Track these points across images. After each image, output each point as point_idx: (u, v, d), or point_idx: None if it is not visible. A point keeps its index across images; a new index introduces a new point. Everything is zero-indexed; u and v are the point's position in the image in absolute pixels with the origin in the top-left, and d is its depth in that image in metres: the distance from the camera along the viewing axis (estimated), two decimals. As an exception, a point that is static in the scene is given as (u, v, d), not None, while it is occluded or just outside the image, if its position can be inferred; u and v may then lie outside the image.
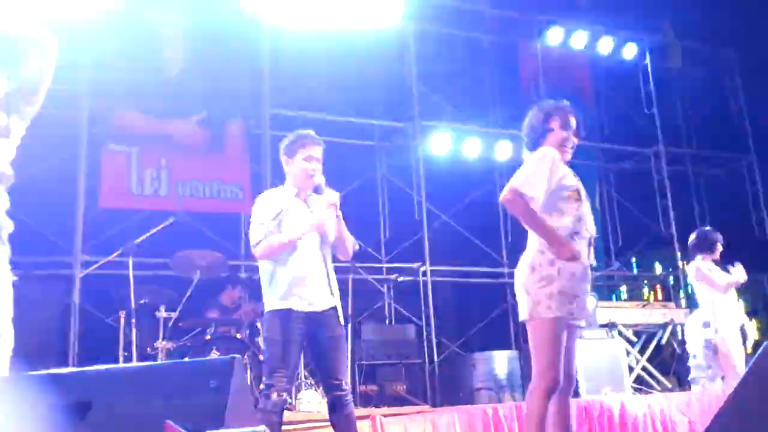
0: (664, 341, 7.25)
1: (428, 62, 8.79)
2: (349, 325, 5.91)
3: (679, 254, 9.46)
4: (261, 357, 5.13)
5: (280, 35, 7.93)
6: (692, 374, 6.08)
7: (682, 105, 10.76)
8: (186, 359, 5.22)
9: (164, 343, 5.16)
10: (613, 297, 10.40)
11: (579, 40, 9.64)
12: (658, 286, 11.83)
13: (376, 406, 6.07)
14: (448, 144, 8.69)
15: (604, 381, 6.07)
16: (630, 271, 11.16)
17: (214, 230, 7.25)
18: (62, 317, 6.22)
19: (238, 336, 5.52)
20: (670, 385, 7.00)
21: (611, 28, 9.84)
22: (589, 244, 3.23)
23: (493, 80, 9.91)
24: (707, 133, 10.66)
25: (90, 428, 1.85)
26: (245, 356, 5.03)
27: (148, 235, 5.45)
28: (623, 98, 10.33)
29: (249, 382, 4.86)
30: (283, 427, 3.31)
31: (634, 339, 7.07)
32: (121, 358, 5.17)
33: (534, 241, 3.18)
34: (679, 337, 7.50)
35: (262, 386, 4.46)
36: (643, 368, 6.99)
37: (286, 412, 3.42)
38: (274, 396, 3.10)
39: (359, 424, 3.49)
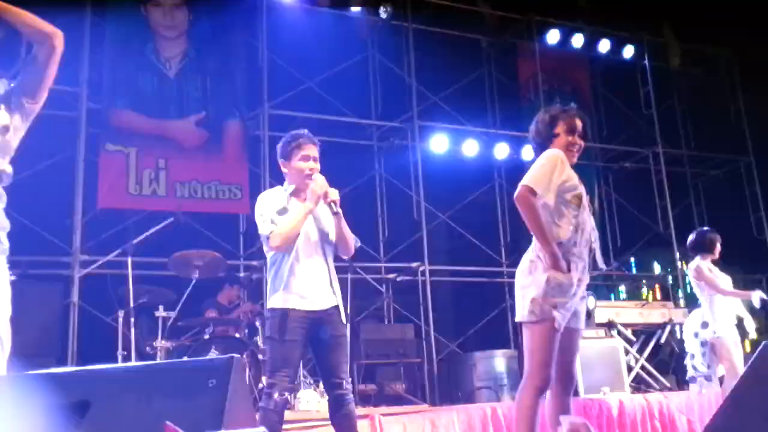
0: (662, 341, 7.25)
1: (427, 62, 8.80)
2: (348, 325, 5.90)
3: (677, 254, 9.47)
4: (260, 356, 5.14)
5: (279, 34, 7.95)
6: (690, 374, 6.09)
7: (680, 105, 10.77)
8: (185, 359, 5.23)
9: (163, 342, 5.16)
10: (612, 296, 10.41)
11: (578, 40, 9.65)
12: (656, 286, 11.85)
13: (375, 406, 6.07)
14: (446, 144, 8.70)
15: (603, 380, 6.07)
16: (629, 271, 11.17)
17: (212, 230, 7.25)
18: (61, 317, 6.22)
19: (237, 335, 5.53)
20: (668, 385, 7.00)
21: (610, 28, 9.85)
22: (590, 252, 3.28)
23: (491, 80, 9.92)
24: (706, 134, 10.67)
25: (89, 428, 1.85)
26: (244, 355, 5.03)
27: (146, 235, 5.45)
28: (622, 99, 10.34)
29: (248, 382, 4.86)
30: (282, 426, 3.31)
31: (633, 338, 7.08)
32: (119, 358, 5.17)
33: (535, 244, 3.23)
34: (678, 337, 7.50)
35: (261, 384, 4.47)
36: (642, 367, 7.00)
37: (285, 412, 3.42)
38: (277, 395, 3.10)
39: (358, 423, 3.49)
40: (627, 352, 6.72)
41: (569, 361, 3.25)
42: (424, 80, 8.75)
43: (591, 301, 6.57)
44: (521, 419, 3.09)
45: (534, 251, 3.21)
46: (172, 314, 5.26)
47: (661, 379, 6.98)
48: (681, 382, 6.84)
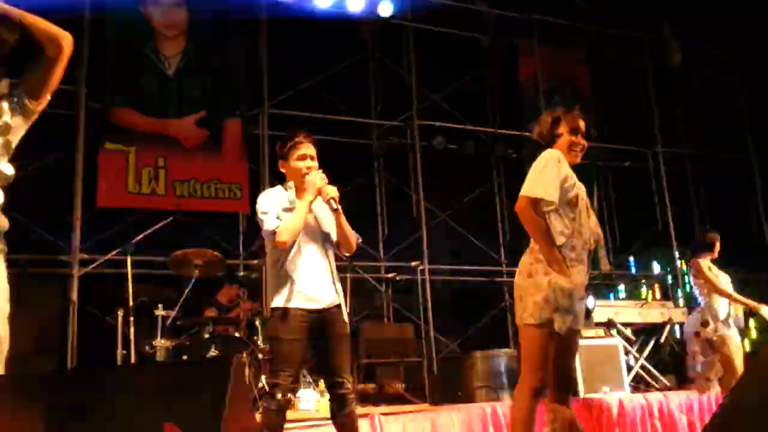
0: (662, 340, 7.25)
1: (427, 61, 8.80)
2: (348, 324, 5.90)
3: (677, 254, 9.47)
4: (260, 356, 5.14)
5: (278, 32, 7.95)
6: (690, 373, 6.09)
7: (681, 105, 10.75)
8: (184, 358, 5.23)
9: (162, 341, 5.15)
10: (612, 296, 10.40)
11: (577, 39, 9.63)
12: (656, 285, 11.83)
13: (375, 405, 6.06)
14: (446, 143, 8.69)
15: (603, 380, 6.06)
16: (628, 271, 11.16)
17: (212, 229, 7.25)
18: (60, 316, 6.22)
19: (237, 334, 5.52)
20: (668, 384, 6.99)
21: (610, 27, 9.84)
22: (589, 253, 3.28)
23: (491, 79, 9.91)
24: (706, 133, 10.66)
25: (89, 428, 1.85)
26: (244, 355, 5.03)
27: (146, 233, 5.45)
28: (622, 98, 10.32)
29: (248, 381, 4.85)
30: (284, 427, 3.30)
31: (633, 338, 7.07)
32: (119, 357, 5.16)
33: (534, 246, 3.24)
34: (678, 336, 7.50)
35: (262, 384, 4.46)
36: (642, 367, 6.99)
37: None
38: (279, 395, 3.09)
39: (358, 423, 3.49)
40: (627, 352, 6.71)
41: (568, 362, 3.26)
42: (423, 79, 8.75)
43: (590, 300, 6.57)
44: (518, 421, 3.10)
45: (534, 254, 3.22)
46: (172, 313, 5.25)
47: (661, 378, 6.97)
48: (681, 381, 6.84)
